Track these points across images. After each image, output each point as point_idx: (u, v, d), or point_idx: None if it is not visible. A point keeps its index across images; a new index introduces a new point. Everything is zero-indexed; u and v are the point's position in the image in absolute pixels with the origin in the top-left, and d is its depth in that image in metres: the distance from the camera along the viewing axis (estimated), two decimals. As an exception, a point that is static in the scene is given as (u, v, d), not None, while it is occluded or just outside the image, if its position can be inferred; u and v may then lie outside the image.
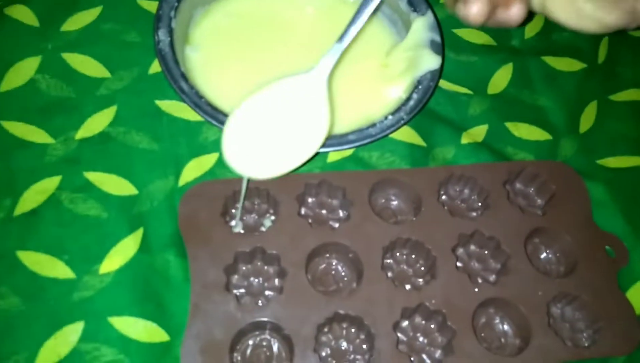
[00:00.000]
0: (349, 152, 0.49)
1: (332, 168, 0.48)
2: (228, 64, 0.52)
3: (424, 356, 0.41)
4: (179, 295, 0.41)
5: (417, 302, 0.41)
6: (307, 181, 0.45)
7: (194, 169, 0.46)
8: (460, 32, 0.57)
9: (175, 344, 0.40)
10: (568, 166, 0.49)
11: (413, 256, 0.45)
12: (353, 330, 0.41)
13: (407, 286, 0.44)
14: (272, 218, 0.45)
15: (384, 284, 0.42)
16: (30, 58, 0.50)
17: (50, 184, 0.44)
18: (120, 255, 0.42)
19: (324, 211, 0.46)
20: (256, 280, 0.43)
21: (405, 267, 0.45)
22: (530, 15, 0.41)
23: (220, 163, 0.47)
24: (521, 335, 0.42)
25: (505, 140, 0.51)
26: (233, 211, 0.45)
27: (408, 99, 0.48)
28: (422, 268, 0.44)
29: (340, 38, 0.43)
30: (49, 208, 0.44)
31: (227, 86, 0.50)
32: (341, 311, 0.40)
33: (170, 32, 0.49)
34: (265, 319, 0.40)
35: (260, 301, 0.42)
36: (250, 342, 0.40)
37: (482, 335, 0.42)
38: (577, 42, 0.57)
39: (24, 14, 0.52)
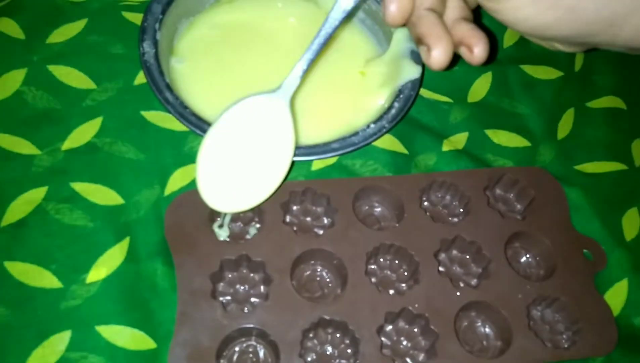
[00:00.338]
0: (333, 160, 0.49)
1: (316, 175, 0.49)
2: (212, 74, 0.52)
3: (408, 359, 0.42)
4: (165, 303, 0.42)
5: (401, 307, 0.42)
6: (292, 189, 0.46)
7: (179, 179, 0.47)
8: (441, 42, 0.58)
9: (163, 351, 0.40)
10: (546, 171, 0.50)
11: (396, 261, 0.45)
12: (338, 335, 0.42)
13: (391, 291, 0.44)
14: (257, 226, 0.46)
15: (368, 289, 0.42)
16: (16, 70, 0.50)
17: (36, 194, 0.45)
18: (107, 264, 0.43)
19: (308, 219, 0.47)
20: (242, 287, 0.44)
21: (388, 272, 0.45)
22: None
23: (206, 172, 0.47)
24: (502, 337, 0.43)
25: (485, 147, 0.52)
26: (218, 219, 0.45)
27: (390, 108, 0.49)
28: (405, 273, 0.45)
29: (300, 62, 0.44)
30: (35, 219, 0.44)
31: (211, 96, 0.51)
32: (326, 317, 0.41)
33: (155, 43, 0.50)
34: (251, 325, 0.40)
35: (246, 308, 0.42)
36: (237, 348, 0.41)
37: (465, 338, 0.43)
38: (555, 51, 0.59)
39: (9, 27, 0.52)
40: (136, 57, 0.49)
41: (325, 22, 0.43)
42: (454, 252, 0.46)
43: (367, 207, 0.48)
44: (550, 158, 0.53)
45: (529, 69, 0.58)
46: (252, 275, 0.44)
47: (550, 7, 0.37)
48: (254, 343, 0.41)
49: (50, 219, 0.44)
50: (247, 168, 0.43)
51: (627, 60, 0.59)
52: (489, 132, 0.53)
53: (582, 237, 0.47)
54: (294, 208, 0.47)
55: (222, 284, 0.43)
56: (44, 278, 0.42)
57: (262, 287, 0.43)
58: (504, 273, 0.44)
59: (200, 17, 0.55)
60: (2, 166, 0.46)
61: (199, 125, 0.46)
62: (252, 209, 0.45)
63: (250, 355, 0.41)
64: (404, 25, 0.42)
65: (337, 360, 0.41)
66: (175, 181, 0.47)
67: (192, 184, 0.47)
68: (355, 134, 0.48)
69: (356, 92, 0.53)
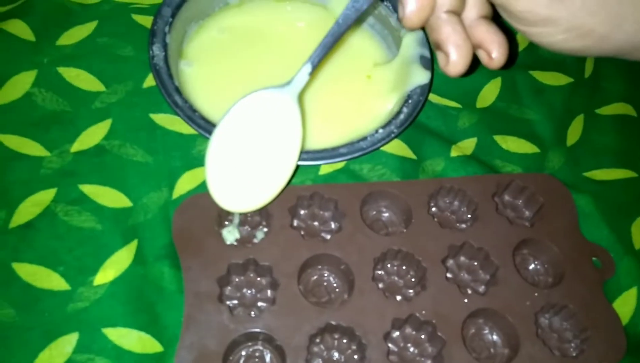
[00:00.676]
0: (341, 165, 0.49)
1: (324, 180, 0.49)
2: (221, 78, 0.52)
3: (415, 366, 0.42)
4: (172, 306, 0.42)
5: (408, 313, 0.42)
6: (299, 193, 0.46)
7: (187, 182, 0.47)
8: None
9: (169, 355, 0.40)
10: (555, 178, 0.50)
11: (404, 267, 0.45)
12: (344, 341, 0.42)
13: (398, 297, 0.44)
14: (265, 230, 0.46)
15: (375, 295, 0.42)
16: (26, 72, 0.50)
17: (45, 196, 0.45)
18: (114, 266, 0.43)
19: (316, 223, 0.47)
20: (249, 291, 0.43)
21: (396, 278, 0.45)
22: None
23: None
24: (510, 344, 0.43)
25: (494, 153, 0.52)
26: (226, 223, 0.45)
27: (398, 113, 0.49)
28: (413, 279, 0.45)
29: (312, 56, 0.43)
30: (44, 220, 0.44)
31: (220, 100, 0.51)
32: (333, 322, 0.41)
33: (165, 46, 0.50)
34: (258, 330, 0.40)
35: (252, 312, 0.42)
36: (243, 353, 0.41)
37: (472, 345, 0.43)
38: (564, 57, 0.58)
39: (19, 29, 0.52)
40: (145, 60, 0.49)
41: (338, 20, 0.42)
42: (462, 258, 0.46)
43: (374, 212, 0.48)
44: (559, 165, 0.52)
45: (538, 75, 0.57)
46: (259, 279, 0.44)
47: (581, 35, 0.36)
48: (260, 347, 0.41)
49: (58, 221, 0.44)
50: (256, 162, 0.43)
51: (637, 67, 0.59)
52: (498, 138, 0.53)
53: (591, 244, 0.47)
54: (302, 212, 0.47)
55: (229, 288, 0.43)
56: (51, 280, 0.42)
57: (269, 291, 0.43)
58: (512, 280, 0.44)
59: (210, 20, 0.55)
60: (11, 167, 0.46)
61: (208, 128, 0.46)
62: (260, 213, 0.46)
63: (257, 360, 0.41)
64: (422, 28, 0.41)
65: (344, 366, 0.41)
66: (184, 184, 0.47)
67: (200, 188, 0.47)
68: (364, 139, 0.48)
69: (363, 96, 0.53)
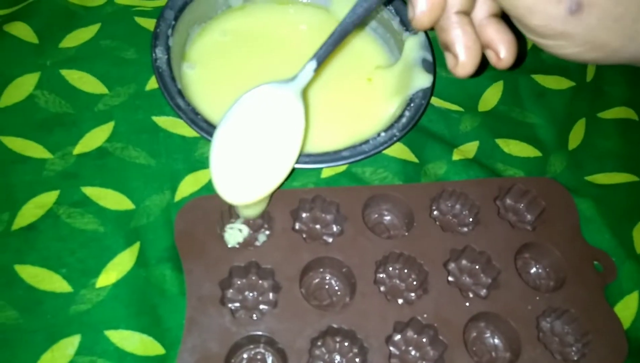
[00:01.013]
0: (343, 168, 0.49)
1: (326, 183, 0.49)
2: (224, 80, 0.53)
3: (416, 369, 0.42)
4: (174, 309, 0.42)
5: (409, 316, 0.42)
6: (302, 196, 0.46)
7: (190, 185, 0.47)
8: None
9: (171, 357, 0.40)
10: (557, 182, 0.50)
11: (405, 270, 0.45)
12: (346, 344, 0.42)
13: (400, 301, 0.44)
14: (267, 232, 0.46)
15: (376, 298, 0.42)
16: (29, 74, 0.50)
17: (48, 198, 0.45)
18: (117, 269, 0.43)
19: (317, 226, 0.47)
20: (251, 294, 0.44)
21: (397, 281, 0.45)
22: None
23: (216, 178, 0.47)
24: (511, 348, 0.43)
25: (496, 156, 0.52)
26: (228, 225, 0.45)
27: (400, 116, 0.49)
28: (414, 283, 0.45)
29: (319, 51, 0.43)
30: (46, 222, 0.44)
31: (222, 102, 0.50)
32: (334, 325, 0.41)
33: (168, 49, 0.50)
34: (260, 333, 0.40)
35: (254, 315, 0.42)
36: (245, 356, 0.41)
37: (473, 348, 0.43)
38: (566, 61, 0.58)
39: (23, 31, 0.53)
40: (148, 62, 0.49)
41: (346, 18, 0.41)
42: (464, 262, 0.46)
43: (376, 215, 0.48)
44: (561, 169, 0.52)
45: (540, 78, 0.57)
46: (261, 282, 0.44)
47: (595, 48, 0.36)
48: (262, 350, 0.41)
49: (61, 224, 0.44)
50: (258, 154, 0.43)
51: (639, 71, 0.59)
52: (500, 142, 0.53)
53: (593, 249, 0.47)
54: (304, 215, 0.47)
55: (231, 290, 0.43)
56: (54, 282, 0.42)
57: (270, 294, 0.43)
58: (514, 284, 0.44)
59: (212, 23, 0.55)
60: (14, 169, 0.46)
61: (210, 131, 0.46)
62: (262, 216, 0.46)
63: (258, 363, 0.41)
64: (431, 29, 0.41)
65: (345, 369, 0.41)
66: (186, 187, 0.47)
67: (203, 190, 0.47)
68: (366, 142, 0.48)
69: (365, 99, 0.53)
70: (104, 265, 0.43)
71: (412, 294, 0.45)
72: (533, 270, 0.47)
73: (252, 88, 0.43)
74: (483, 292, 0.45)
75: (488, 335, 0.44)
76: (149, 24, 0.54)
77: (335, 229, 0.47)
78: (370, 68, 0.55)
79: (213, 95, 0.51)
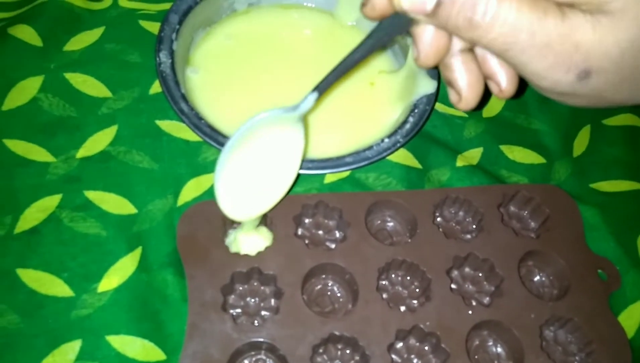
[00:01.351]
0: (346, 174, 0.49)
1: (329, 189, 0.48)
2: (228, 85, 0.52)
3: (418, 377, 0.42)
4: (176, 314, 0.42)
5: (412, 324, 0.42)
6: (304, 202, 0.46)
7: (192, 189, 0.47)
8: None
9: (172, 363, 0.40)
10: (561, 189, 0.49)
11: (408, 277, 0.45)
12: (348, 351, 0.42)
13: (402, 308, 0.44)
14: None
15: (379, 305, 0.42)
16: (33, 77, 0.50)
17: (50, 202, 0.45)
18: (118, 273, 0.43)
19: (320, 232, 0.47)
20: (252, 300, 0.43)
21: (400, 288, 0.45)
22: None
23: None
24: (514, 357, 0.42)
25: (500, 163, 0.52)
26: (230, 231, 0.45)
27: (404, 122, 0.49)
28: (417, 290, 0.45)
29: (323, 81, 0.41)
30: (49, 226, 0.44)
31: (226, 107, 0.51)
32: (336, 332, 0.41)
33: (172, 53, 0.50)
34: (261, 339, 0.40)
35: (256, 322, 0.42)
36: (246, 362, 0.41)
37: (476, 357, 0.43)
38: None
39: (27, 34, 0.53)
40: (152, 66, 0.49)
41: (357, 49, 0.38)
42: (467, 269, 0.46)
43: (379, 221, 0.48)
44: (565, 176, 0.52)
45: (545, 85, 0.57)
46: (262, 288, 0.44)
47: (602, 101, 0.37)
48: (263, 357, 0.41)
49: (63, 227, 0.44)
50: (260, 174, 0.43)
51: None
52: (504, 148, 0.53)
53: (597, 257, 0.47)
54: (306, 221, 0.47)
55: (232, 296, 0.43)
56: (55, 286, 0.42)
57: (272, 300, 0.43)
58: (517, 292, 0.44)
59: (217, 27, 0.55)
60: (16, 172, 0.46)
61: (214, 136, 0.46)
62: (264, 222, 0.45)
63: (260, 369, 0.41)
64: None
65: (347, 376, 0.41)
66: (189, 192, 0.47)
67: (205, 195, 0.47)
68: (369, 148, 0.48)
69: (367, 104, 0.53)
70: (105, 270, 0.43)
71: (415, 301, 0.44)
72: (537, 278, 0.47)
73: (257, 110, 0.43)
74: (486, 300, 0.45)
75: (491, 343, 0.43)
76: (153, 27, 0.54)
77: (338, 235, 0.47)
78: (373, 72, 0.55)
79: (217, 99, 0.51)
